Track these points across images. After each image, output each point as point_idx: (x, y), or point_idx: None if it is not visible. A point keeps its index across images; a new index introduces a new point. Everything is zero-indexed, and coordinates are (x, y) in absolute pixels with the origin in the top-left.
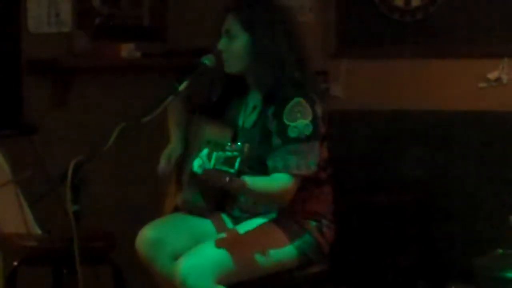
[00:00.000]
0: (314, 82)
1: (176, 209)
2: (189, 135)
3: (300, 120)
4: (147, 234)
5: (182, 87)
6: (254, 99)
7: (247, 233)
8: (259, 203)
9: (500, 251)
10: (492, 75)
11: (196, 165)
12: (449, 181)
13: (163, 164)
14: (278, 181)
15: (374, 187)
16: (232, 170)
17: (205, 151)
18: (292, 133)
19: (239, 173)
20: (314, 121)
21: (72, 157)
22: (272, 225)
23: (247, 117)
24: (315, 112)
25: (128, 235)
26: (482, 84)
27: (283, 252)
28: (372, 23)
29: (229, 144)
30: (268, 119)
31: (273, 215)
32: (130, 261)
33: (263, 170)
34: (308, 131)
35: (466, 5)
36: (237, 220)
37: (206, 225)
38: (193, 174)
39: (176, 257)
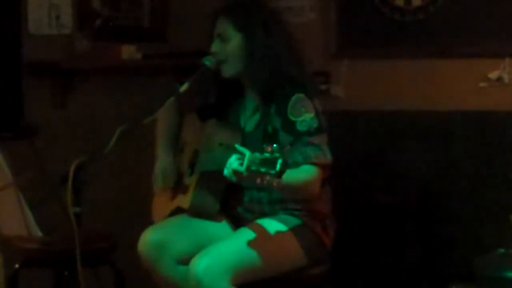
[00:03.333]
0: (311, 79)
1: (176, 211)
2: (190, 134)
3: (305, 114)
4: (150, 237)
5: (183, 88)
6: (253, 101)
7: (267, 232)
8: (286, 197)
9: (501, 250)
10: (493, 75)
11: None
12: (450, 181)
13: (161, 183)
14: (302, 173)
15: (375, 188)
16: (273, 171)
17: (234, 156)
18: (301, 127)
19: (281, 173)
20: (317, 115)
21: (73, 159)
22: (281, 226)
23: (248, 120)
24: (316, 107)
25: (128, 237)
26: (483, 84)
27: (295, 252)
28: (373, 23)
29: (265, 145)
30: (270, 118)
31: (280, 216)
32: (131, 263)
33: None
34: (315, 124)
35: (467, 5)
36: (239, 222)
37: (211, 227)
38: (203, 176)
39: (179, 260)
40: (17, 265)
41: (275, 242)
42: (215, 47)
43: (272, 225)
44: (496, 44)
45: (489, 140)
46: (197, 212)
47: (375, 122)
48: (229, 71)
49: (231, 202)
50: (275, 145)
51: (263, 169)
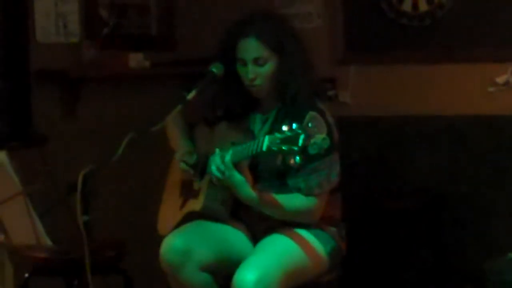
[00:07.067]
0: (322, 88)
1: (187, 218)
2: (201, 143)
3: (317, 135)
4: (175, 243)
5: (190, 95)
6: (263, 115)
7: (299, 238)
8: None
9: None
10: (500, 79)
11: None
12: (459, 185)
13: (183, 160)
14: (304, 204)
15: (384, 193)
16: (295, 147)
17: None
18: (312, 151)
19: (304, 148)
20: (329, 133)
21: (82, 167)
22: (306, 233)
23: (258, 133)
24: (328, 122)
25: (138, 245)
26: (490, 88)
27: (322, 257)
28: (380, 28)
29: (284, 125)
30: None
31: (299, 224)
32: (141, 270)
33: (280, 183)
34: (326, 144)
35: (474, 9)
36: (253, 228)
37: (228, 234)
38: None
39: (202, 267)
40: (27, 274)
41: (308, 247)
42: (252, 73)
43: (300, 232)
44: (503, 48)
45: (498, 144)
46: (210, 212)
47: (384, 128)
48: (263, 91)
49: (244, 209)
50: (294, 124)
51: (285, 147)
